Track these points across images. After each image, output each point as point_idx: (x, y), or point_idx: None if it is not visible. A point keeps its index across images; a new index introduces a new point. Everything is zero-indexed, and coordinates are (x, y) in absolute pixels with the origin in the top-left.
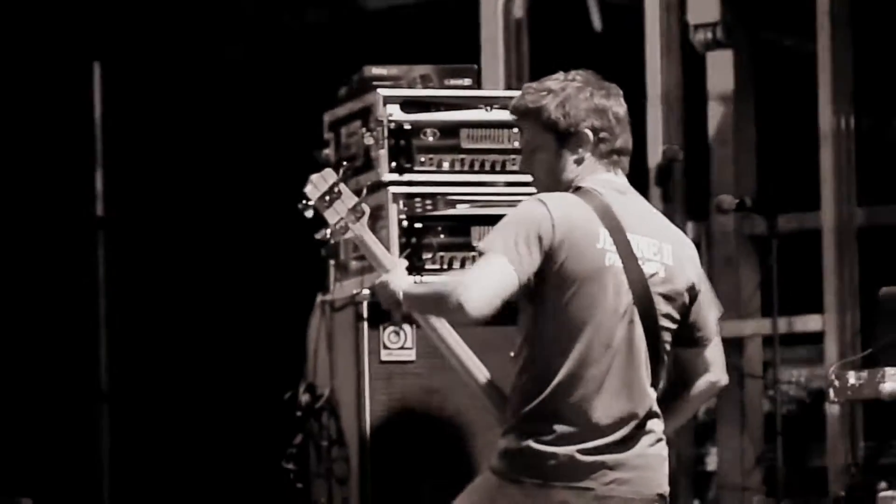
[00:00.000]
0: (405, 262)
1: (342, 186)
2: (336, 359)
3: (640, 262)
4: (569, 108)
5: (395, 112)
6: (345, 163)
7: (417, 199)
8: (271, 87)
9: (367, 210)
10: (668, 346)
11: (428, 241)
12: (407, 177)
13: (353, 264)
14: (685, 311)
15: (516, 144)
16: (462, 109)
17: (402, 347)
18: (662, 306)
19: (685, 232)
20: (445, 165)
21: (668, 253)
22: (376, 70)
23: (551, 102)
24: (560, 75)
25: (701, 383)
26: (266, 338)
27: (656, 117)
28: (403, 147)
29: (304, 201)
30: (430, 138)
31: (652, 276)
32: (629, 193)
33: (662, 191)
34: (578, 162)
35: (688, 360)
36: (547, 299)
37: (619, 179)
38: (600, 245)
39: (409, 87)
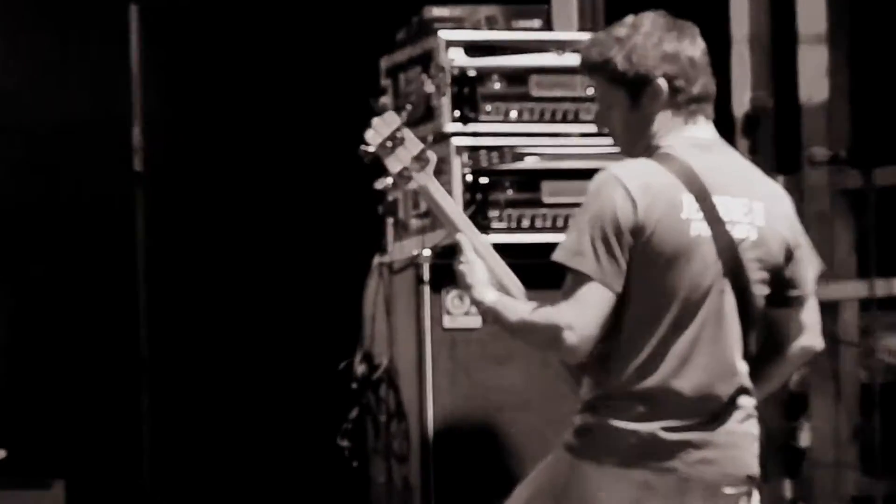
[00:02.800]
0: (476, 230)
1: (406, 131)
2: (395, 326)
3: (728, 228)
4: (637, 57)
5: (458, 57)
6: (408, 106)
7: (483, 152)
8: (323, 29)
9: (434, 158)
10: (760, 312)
11: (495, 198)
12: (471, 127)
13: (414, 222)
14: (780, 271)
15: (591, 92)
16: (531, 53)
17: (466, 314)
18: (755, 273)
19: None
20: (513, 115)
21: (760, 212)
22: (437, 11)
23: (618, 53)
24: (628, 20)
25: (794, 348)
26: (318, 302)
27: (742, 63)
28: (467, 95)
29: (364, 147)
30: (497, 85)
31: (742, 241)
32: (714, 148)
33: (750, 142)
34: (654, 116)
35: (781, 322)
36: (631, 276)
37: (702, 132)
38: (685, 215)
39: (474, 29)
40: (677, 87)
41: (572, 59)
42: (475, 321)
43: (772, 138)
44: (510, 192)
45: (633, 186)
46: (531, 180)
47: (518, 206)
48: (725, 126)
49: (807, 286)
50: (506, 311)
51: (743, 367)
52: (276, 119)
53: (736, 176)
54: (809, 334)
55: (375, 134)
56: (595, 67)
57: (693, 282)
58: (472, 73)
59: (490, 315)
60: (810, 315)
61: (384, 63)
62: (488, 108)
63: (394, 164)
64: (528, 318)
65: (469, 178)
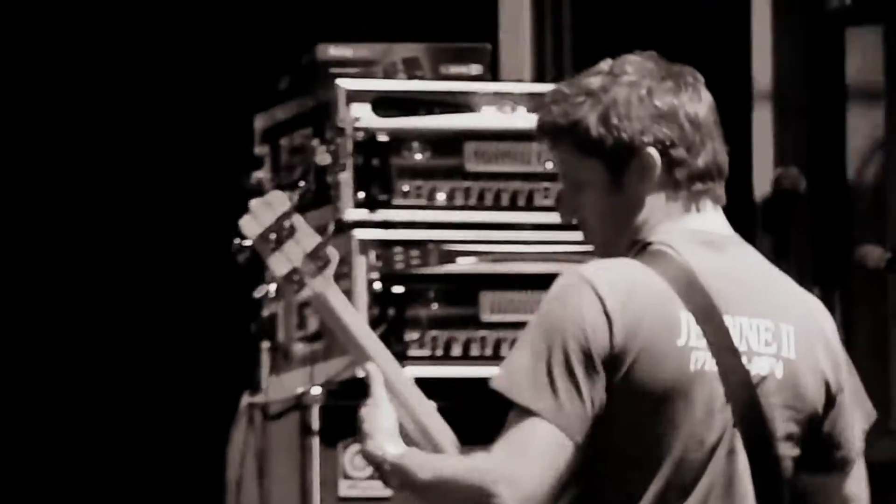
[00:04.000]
0: (390, 358)
1: (297, 219)
2: (270, 491)
3: (744, 361)
4: (617, 118)
5: (364, 115)
6: (299, 184)
7: (398, 250)
8: (173, 75)
9: (335, 257)
10: (788, 483)
11: (414, 314)
12: (382, 214)
13: (299, 347)
14: (816, 423)
15: (551, 167)
16: (467, 112)
17: (371, 477)
18: (781, 424)
19: None
20: (441, 198)
21: (790, 340)
22: (336, 50)
23: (590, 113)
24: (604, 65)
25: None
26: (163, 458)
27: (765, 127)
28: (377, 169)
29: (238, 240)
30: (418, 156)
31: (763, 379)
32: (726, 246)
33: (774, 239)
34: (643, 200)
35: (816, 496)
36: (602, 426)
37: (709, 222)
38: (682, 341)
39: (387, 77)
40: (675, 159)
41: (525, 120)
42: (384, 488)
43: (807, 233)
44: (435, 307)
45: (609, 296)
46: (465, 290)
47: (447, 327)
48: (742, 215)
49: (855, 443)
50: (414, 468)
51: None
52: (112, 195)
53: (756, 287)
54: None
55: (254, 222)
56: (558, 133)
57: (692, 436)
58: (383, 139)
59: (394, 477)
60: (857, 485)
61: (260, 123)
62: (406, 187)
63: (279, 264)
64: (445, 473)
65: (378, 285)
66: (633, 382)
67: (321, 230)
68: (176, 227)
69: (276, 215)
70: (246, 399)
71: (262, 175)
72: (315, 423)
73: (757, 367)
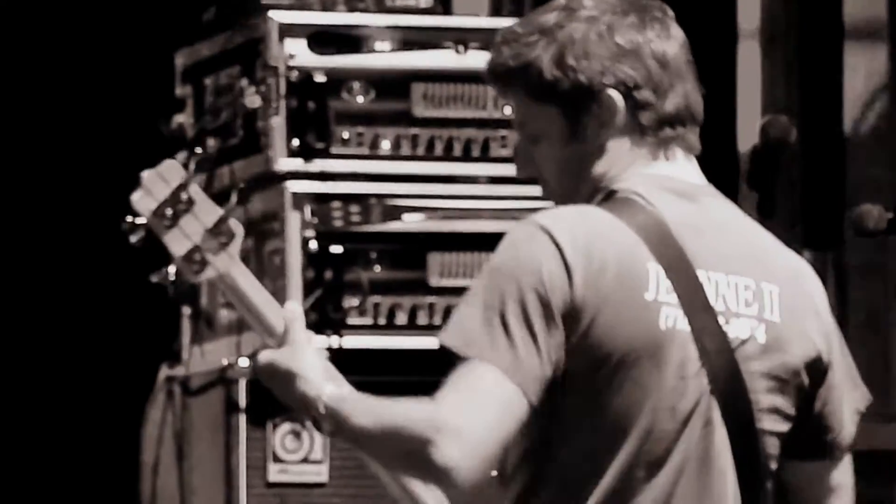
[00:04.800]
0: (300, 311)
1: (195, 191)
2: (191, 478)
3: (720, 321)
4: (574, 58)
5: (299, 52)
6: (208, 142)
7: (336, 205)
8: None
9: (240, 231)
10: (773, 462)
11: (353, 277)
12: (318, 164)
13: (224, 315)
14: (805, 398)
15: (509, 111)
16: (415, 49)
17: (304, 460)
18: (764, 395)
19: None
20: (385, 146)
21: (773, 301)
22: None
23: (544, 53)
24: (561, 0)
25: None
26: (75, 437)
27: (752, 70)
28: (313, 113)
29: (130, 218)
30: (360, 99)
31: (742, 342)
32: (700, 197)
33: (759, 196)
34: (605, 147)
35: (805, 483)
36: (562, 388)
37: (680, 170)
38: (650, 295)
39: (324, 8)
40: (640, 102)
41: (481, 60)
42: (319, 472)
43: (797, 190)
44: (378, 270)
45: (568, 244)
46: (412, 251)
47: (391, 292)
48: (724, 169)
49: (845, 428)
50: (352, 412)
51: None
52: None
53: (735, 242)
54: (844, 498)
55: (147, 197)
56: (509, 77)
57: (662, 404)
58: (320, 79)
59: (329, 420)
60: (844, 474)
61: (181, 60)
62: (345, 134)
63: (177, 242)
64: (384, 420)
65: (313, 245)
66: (595, 339)
67: (224, 194)
68: (88, 176)
69: (172, 188)
70: (164, 372)
71: (183, 119)
72: (242, 400)
73: (735, 329)
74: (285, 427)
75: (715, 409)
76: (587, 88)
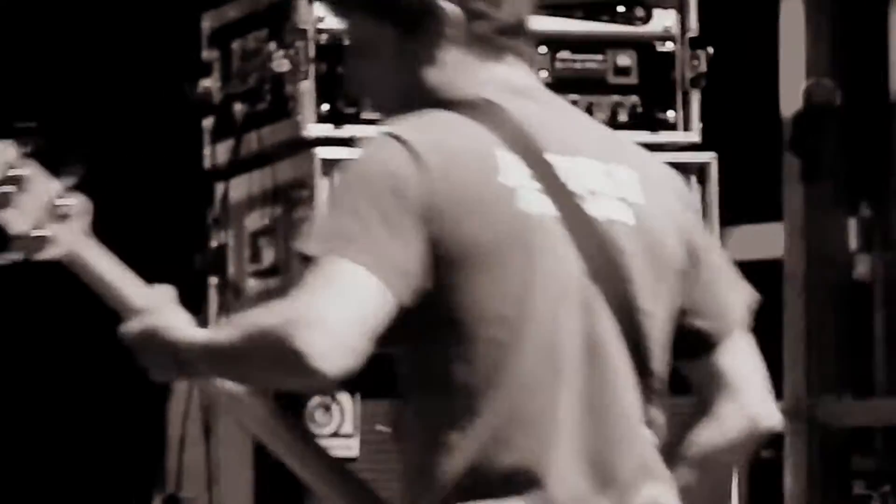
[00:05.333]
0: (171, 292)
1: (30, 167)
2: (217, 450)
3: (585, 205)
4: None
5: (328, 16)
6: (235, 108)
7: None
8: None
9: (83, 205)
10: (660, 347)
11: None
12: (349, 130)
13: (252, 284)
14: (683, 282)
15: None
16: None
17: (335, 434)
18: (642, 277)
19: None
20: None
21: (633, 183)
22: None
23: None
24: None
25: (723, 425)
26: (99, 414)
27: (795, 28)
28: (343, 77)
29: None
30: None
31: (611, 223)
32: (542, 96)
33: (803, 161)
34: (438, 59)
35: (697, 383)
36: (434, 304)
37: (516, 73)
38: (508, 181)
39: None
40: (475, 12)
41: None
42: (350, 446)
43: (842, 154)
44: None
45: (417, 142)
46: None
47: None
48: (767, 134)
49: (729, 313)
50: (217, 335)
51: (646, 435)
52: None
53: (586, 131)
54: (748, 395)
55: None
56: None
57: (541, 292)
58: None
59: (198, 360)
60: (743, 364)
61: (208, 23)
62: None
63: (16, 221)
64: (247, 326)
65: None
66: (460, 233)
67: (277, 150)
68: (113, 143)
69: (4, 167)
70: None
71: (209, 84)
72: None
73: (602, 211)
74: (315, 400)
75: (595, 293)
76: (426, 2)
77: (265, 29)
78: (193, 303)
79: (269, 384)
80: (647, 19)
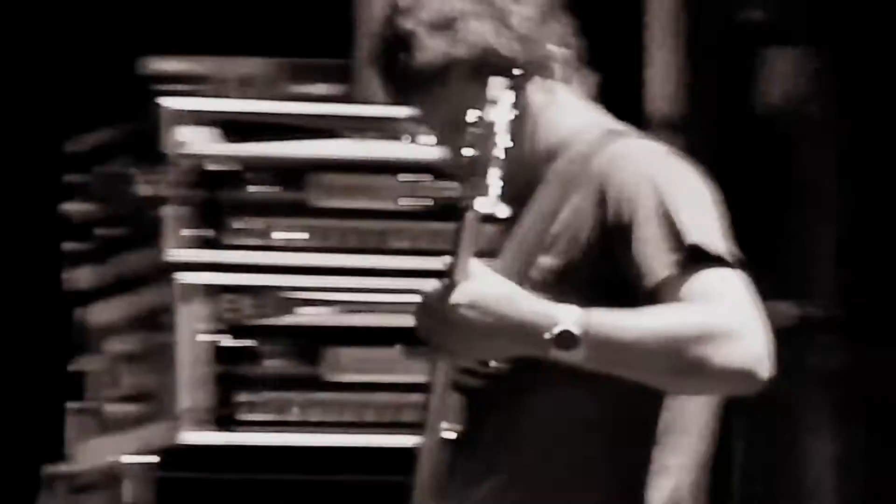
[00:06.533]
0: None
1: None
2: None
3: None
4: (517, 25)
5: (194, 140)
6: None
7: (229, 298)
8: None
9: None
10: None
11: (246, 372)
12: (212, 256)
13: (111, 410)
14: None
15: (410, 202)
16: (313, 138)
17: None
18: None
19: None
20: (280, 237)
21: None
22: (162, 63)
23: (490, 32)
24: None
25: None
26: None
27: None
28: (206, 203)
29: None
30: (256, 188)
31: None
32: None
33: None
34: (554, 100)
35: None
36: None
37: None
38: None
39: (220, 95)
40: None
41: (382, 148)
42: None
43: None
44: (272, 364)
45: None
46: (306, 346)
47: (285, 387)
48: None
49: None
50: (617, 326)
51: None
52: None
53: None
54: None
55: None
56: (448, 67)
57: None
58: (213, 168)
59: (590, 340)
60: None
61: (72, 148)
62: (238, 225)
63: None
64: (665, 327)
65: (205, 338)
66: None
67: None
68: None
69: None
70: (47, 469)
71: (73, 207)
72: (130, 499)
73: None
74: None
75: None
76: (541, 54)
77: (130, 156)
78: (53, 426)
79: (675, 382)
80: None
